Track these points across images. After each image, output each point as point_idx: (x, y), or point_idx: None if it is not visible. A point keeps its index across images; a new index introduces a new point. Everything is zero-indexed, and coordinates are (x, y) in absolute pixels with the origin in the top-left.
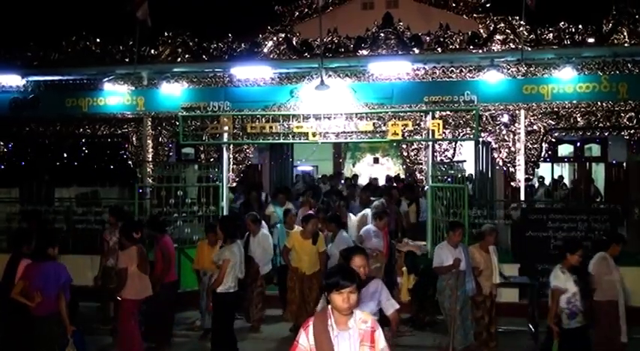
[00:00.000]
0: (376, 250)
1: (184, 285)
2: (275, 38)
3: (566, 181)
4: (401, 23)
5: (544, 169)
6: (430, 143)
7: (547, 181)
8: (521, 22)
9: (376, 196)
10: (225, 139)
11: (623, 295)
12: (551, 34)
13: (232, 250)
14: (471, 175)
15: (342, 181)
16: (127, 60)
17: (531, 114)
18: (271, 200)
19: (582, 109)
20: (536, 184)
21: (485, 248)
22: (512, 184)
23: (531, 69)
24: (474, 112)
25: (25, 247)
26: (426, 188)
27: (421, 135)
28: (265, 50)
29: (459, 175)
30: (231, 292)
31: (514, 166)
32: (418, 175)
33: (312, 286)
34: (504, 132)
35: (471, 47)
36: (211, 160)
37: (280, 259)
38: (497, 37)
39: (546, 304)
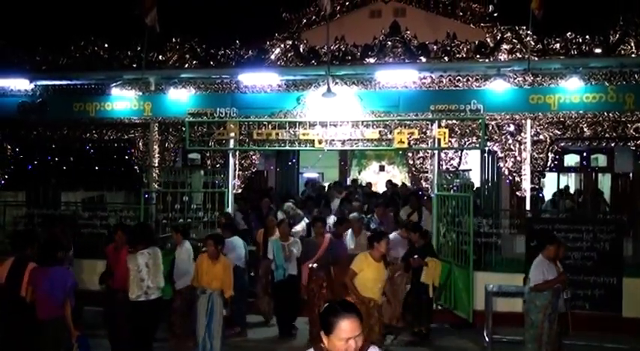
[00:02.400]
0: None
1: None
2: (282, 45)
3: (571, 191)
4: (408, 32)
5: (550, 179)
6: (436, 152)
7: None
8: (528, 32)
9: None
10: (231, 145)
11: None
12: (557, 44)
13: (134, 257)
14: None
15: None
16: (134, 65)
17: (537, 124)
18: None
19: (589, 120)
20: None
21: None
22: (517, 193)
23: (538, 79)
24: (480, 121)
25: (29, 249)
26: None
27: (427, 143)
28: (272, 57)
29: (465, 184)
30: (139, 301)
31: (520, 176)
32: (424, 183)
33: (377, 321)
34: (510, 141)
35: (478, 56)
36: (217, 166)
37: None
38: (504, 46)
39: None
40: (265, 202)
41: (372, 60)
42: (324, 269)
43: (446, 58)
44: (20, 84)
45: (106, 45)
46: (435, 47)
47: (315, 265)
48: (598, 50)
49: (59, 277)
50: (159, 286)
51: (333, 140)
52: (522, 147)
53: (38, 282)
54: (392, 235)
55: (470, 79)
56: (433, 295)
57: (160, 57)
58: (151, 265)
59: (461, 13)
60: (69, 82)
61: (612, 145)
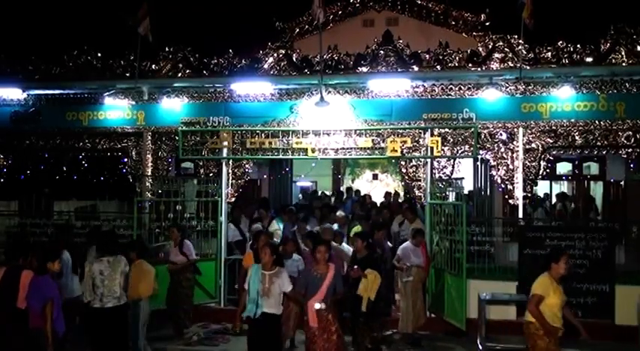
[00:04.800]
0: (414, 266)
1: None
2: (275, 54)
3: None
4: (400, 41)
5: (542, 187)
6: (429, 160)
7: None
8: (520, 41)
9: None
10: (224, 154)
11: None
12: (549, 53)
13: (90, 263)
14: (470, 191)
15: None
16: (127, 74)
17: (530, 132)
18: (276, 217)
19: (580, 128)
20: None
21: None
22: (510, 201)
23: (530, 87)
24: (473, 129)
25: (22, 259)
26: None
27: (420, 152)
28: (265, 66)
29: (458, 193)
30: (95, 307)
31: (512, 184)
32: (417, 191)
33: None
34: (503, 150)
35: (470, 65)
36: (210, 174)
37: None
38: (496, 55)
39: None
40: (261, 212)
41: (364, 69)
42: (332, 309)
43: (438, 66)
44: (13, 93)
45: (99, 54)
46: (427, 56)
47: (322, 305)
48: (589, 59)
49: (41, 286)
50: (114, 295)
51: (327, 149)
52: (515, 155)
53: (28, 291)
54: (403, 245)
55: (462, 87)
56: (366, 309)
57: (153, 66)
58: (107, 274)
59: (453, 22)
60: (62, 92)
61: (604, 153)
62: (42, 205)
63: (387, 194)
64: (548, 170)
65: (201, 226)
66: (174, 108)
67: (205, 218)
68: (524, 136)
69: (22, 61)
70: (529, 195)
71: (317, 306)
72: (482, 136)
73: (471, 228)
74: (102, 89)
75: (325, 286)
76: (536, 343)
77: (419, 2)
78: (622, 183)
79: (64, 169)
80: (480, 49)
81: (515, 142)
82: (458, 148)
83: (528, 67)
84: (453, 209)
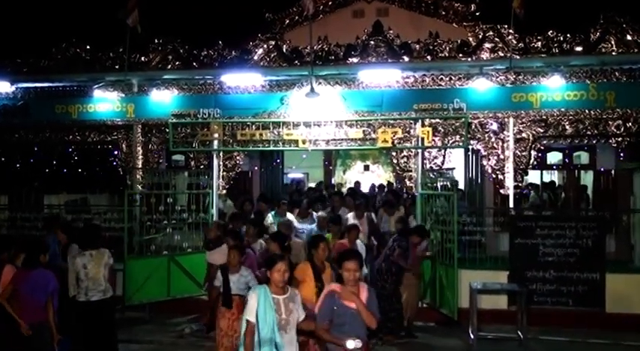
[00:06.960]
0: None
1: (174, 292)
2: (265, 46)
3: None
4: (391, 31)
5: (533, 177)
6: (420, 151)
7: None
8: (510, 31)
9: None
10: (215, 146)
11: None
12: (539, 43)
13: (73, 257)
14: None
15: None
16: (117, 67)
17: (520, 122)
18: (272, 210)
19: (570, 117)
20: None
21: None
22: (501, 191)
23: (520, 77)
24: (463, 119)
25: (6, 253)
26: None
27: (411, 142)
28: (255, 57)
29: (449, 183)
30: (80, 301)
31: (503, 174)
32: (408, 182)
33: None
34: (493, 140)
35: (461, 55)
36: (201, 167)
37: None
38: (487, 45)
39: (535, 311)
40: (261, 205)
41: (355, 60)
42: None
43: (429, 57)
44: (1, 87)
45: (88, 47)
46: (417, 46)
47: (357, 343)
48: (579, 48)
49: (41, 279)
50: (99, 288)
51: (317, 140)
52: (505, 145)
53: (19, 285)
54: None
55: (453, 77)
56: None
57: (143, 58)
58: (90, 267)
59: (443, 13)
60: (51, 85)
61: (594, 142)
62: (32, 199)
63: (381, 186)
64: (538, 160)
65: (193, 219)
66: (164, 100)
67: (196, 210)
68: (514, 125)
69: (10, 54)
70: (520, 185)
71: (350, 345)
72: (473, 126)
73: (462, 218)
74: (91, 82)
75: (366, 315)
76: None
77: None
78: (612, 172)
79: (54, 162)
80: (471, 39)
81: (505, 132)
82: (449, 138)
83: (518, 57)
84: (444, 200)
